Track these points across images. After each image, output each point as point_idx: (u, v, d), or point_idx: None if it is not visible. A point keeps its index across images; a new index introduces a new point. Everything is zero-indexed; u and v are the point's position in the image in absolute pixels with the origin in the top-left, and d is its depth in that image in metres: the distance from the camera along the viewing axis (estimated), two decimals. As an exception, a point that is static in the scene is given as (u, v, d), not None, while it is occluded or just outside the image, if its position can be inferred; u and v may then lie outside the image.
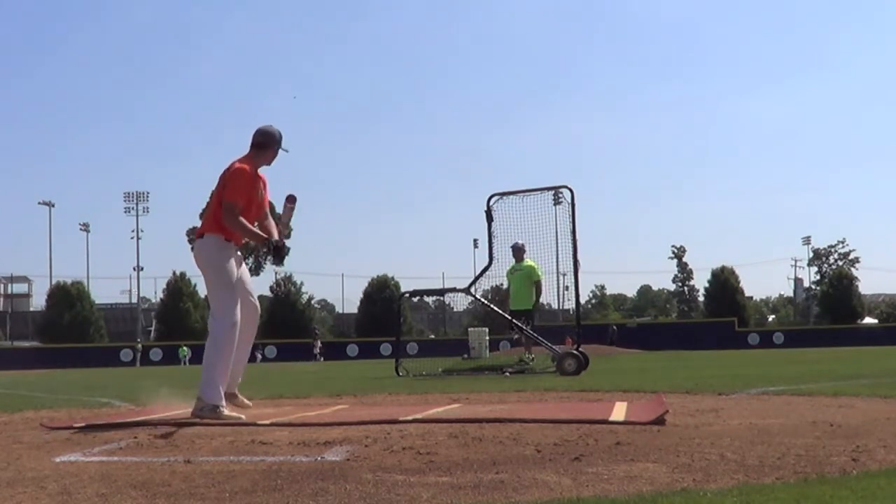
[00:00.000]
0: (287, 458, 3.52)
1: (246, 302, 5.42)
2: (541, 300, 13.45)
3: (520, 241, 12.33)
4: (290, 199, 5.63)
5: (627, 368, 13.48)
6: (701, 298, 70.93)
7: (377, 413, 5.25)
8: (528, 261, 12.82)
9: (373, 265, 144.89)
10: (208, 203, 5.45)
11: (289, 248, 5.70)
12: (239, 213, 5.20)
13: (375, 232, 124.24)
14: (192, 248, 5.51)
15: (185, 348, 48.94)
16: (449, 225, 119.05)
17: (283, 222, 5.74)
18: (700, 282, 73.20)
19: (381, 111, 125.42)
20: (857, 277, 69.07)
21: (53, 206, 67.30)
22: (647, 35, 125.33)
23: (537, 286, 12.94)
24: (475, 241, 51.73)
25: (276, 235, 5.58)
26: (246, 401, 5.62)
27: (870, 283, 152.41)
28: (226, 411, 5.09)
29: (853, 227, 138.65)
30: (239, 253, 5.51)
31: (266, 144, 5.44)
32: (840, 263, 77.71)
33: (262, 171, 5.49)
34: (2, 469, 3.46)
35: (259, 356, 43.76)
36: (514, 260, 12.79)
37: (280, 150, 5.50)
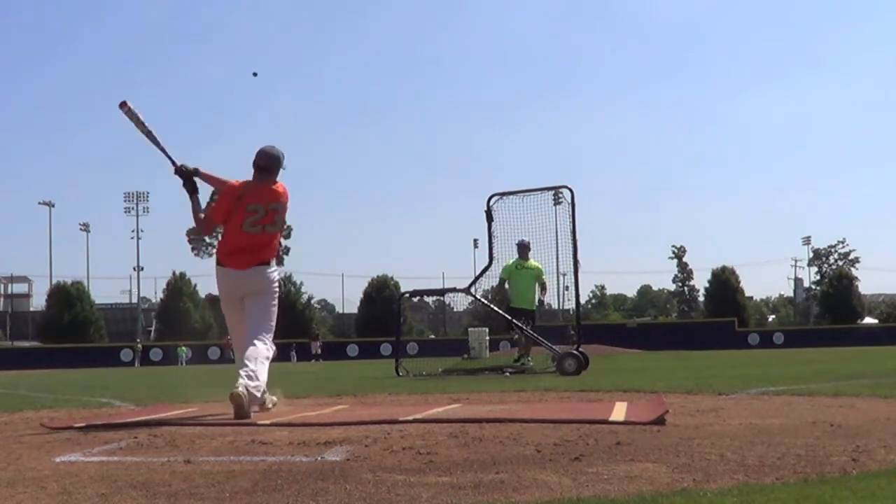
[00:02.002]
0: (287, 458, 3.52)
1: None
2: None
3: (526, 239, 12.13)
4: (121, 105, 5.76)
5: (627, 368, 13.48)
6: (701, 298, 70.99)
7: (377, 413, 5.25)
8: (533, 261, 12.49)
9: (373, 265, 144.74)
10: (259, 221, 5.44)
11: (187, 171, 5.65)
12: None
13: (375, 232, 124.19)
14: (235, 270, 5.49)
15: (183, 348, 48.97)
16: (449, 225, 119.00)
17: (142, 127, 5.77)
18: (700, 282, 73.35)
19: (380, 111, 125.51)
20: (857, 277, 69.27)
21: (53, 206, 67.41)
22: (647, 35, 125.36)
23: (544, 287, 12.59)
24: (475, 241, 51.74)
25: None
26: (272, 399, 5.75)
27: (870, 283, 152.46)
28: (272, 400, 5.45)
29: (853, 227, 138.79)
30: None
31: (278, 168, 5.61)
32: (840, 263, 77.78)
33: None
34: (2, 469, 3.46)
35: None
36: (516, 256, 12.41)
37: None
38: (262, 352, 5.37)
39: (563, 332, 26.26)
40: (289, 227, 69.64)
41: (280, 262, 70.15)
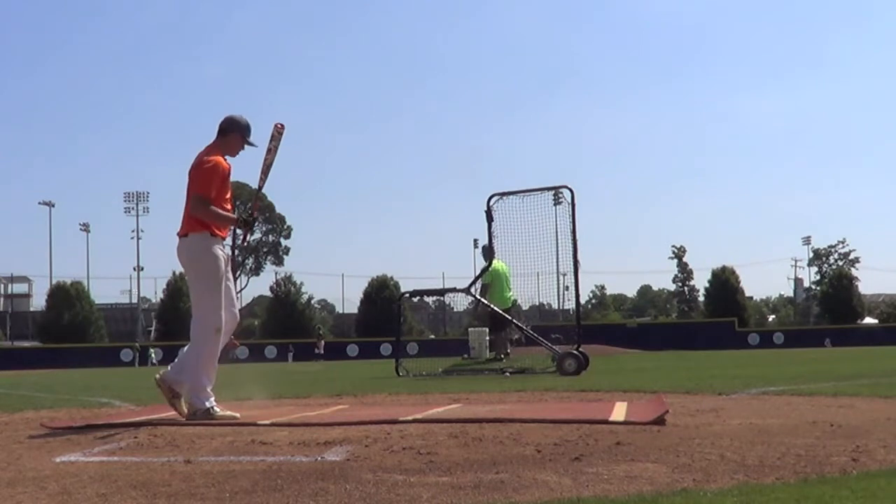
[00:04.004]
0: (287, 458, 3.52)
1: (227, 309, 5.35)
2: (489, 306, 12.60)
3: (486, 244, 12.07)
4: (280, 128, 5.61)
5: (627, 368, 13.48)
6: (701, 298, 70.96)
7: (377, 413, 5.25)
8: (495, 262, 12.47)
9: (373, 265, 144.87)
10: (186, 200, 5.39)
11: (258, 217, 5.62)
12: (208, 205, 5.22)
13: (375, 232, 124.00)
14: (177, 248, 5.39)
15: (153, 351, 48.82)
16: (449, 225, 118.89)
17: (267, 163, 5.66)
18: (700, 282, 73.29)
19: (381, 110, 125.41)
20: (857, 277, 69.19)
21: (53, 206, 67.41)
22: (648, 34, 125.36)
23: (482, 289, 12.62)
24: (475, 241, 51.80)
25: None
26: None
27: (870, 283, 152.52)
28: (219, 411, 5.10)
29: (853, 227, 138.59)
30: (227, 252, 5.47)
31: (228, 130, 5.43)
32: (840, 263, 77.79)
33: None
34: (2, 469, 3.46)
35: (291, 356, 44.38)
36: (491, 259, 12.40)
37: (247, 145, 5.50)
38: (187, 355, 5.24)
39: (565, 333, 26.15)
40: (289, 227, 69.68)
41: (279, 263, 70.45)
